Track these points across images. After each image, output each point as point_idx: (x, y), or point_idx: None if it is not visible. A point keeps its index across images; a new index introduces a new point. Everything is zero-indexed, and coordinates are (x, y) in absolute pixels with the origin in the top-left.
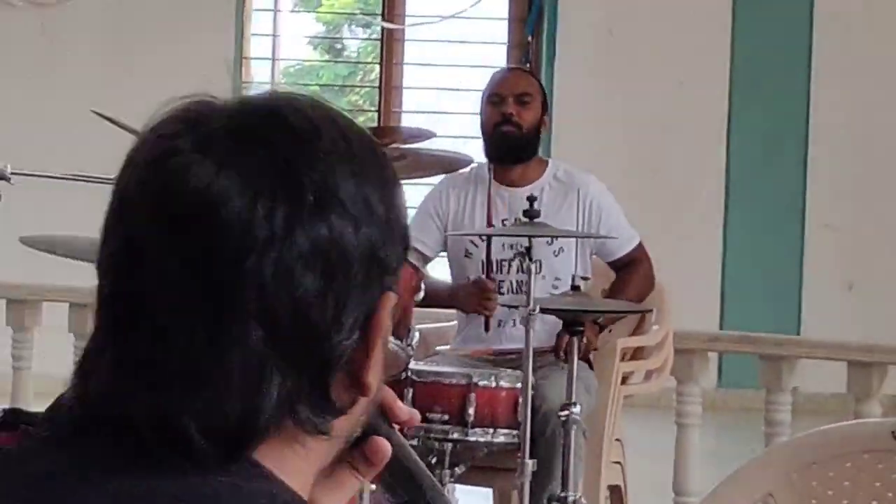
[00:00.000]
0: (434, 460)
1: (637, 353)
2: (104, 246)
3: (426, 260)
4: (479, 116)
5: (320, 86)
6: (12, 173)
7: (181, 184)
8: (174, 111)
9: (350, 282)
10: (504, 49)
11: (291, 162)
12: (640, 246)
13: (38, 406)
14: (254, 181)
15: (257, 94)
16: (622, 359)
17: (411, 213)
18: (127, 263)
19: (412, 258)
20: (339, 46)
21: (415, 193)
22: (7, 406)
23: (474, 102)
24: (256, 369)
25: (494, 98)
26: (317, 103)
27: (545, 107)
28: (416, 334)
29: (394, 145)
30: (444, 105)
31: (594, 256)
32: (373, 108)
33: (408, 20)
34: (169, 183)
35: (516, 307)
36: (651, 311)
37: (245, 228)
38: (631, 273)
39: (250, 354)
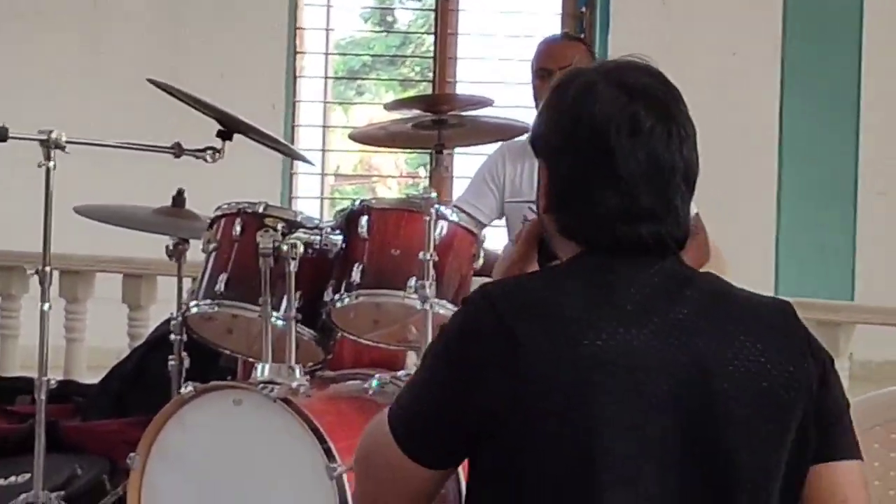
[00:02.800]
0: None
1: None
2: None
3: (482, 226)
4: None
5: (372, 56)
6: (67, 142)
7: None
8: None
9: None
10: (558, 19)
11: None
12: (696, 216)
13: (91, 378)
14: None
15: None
16: None
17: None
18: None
19: (471, 225)
20: (390, 18)
21: (472, 161)
22: (60, 378)
23: (529, 72)
24: (687, 210)
25: (542, 72)
26: None
27: None
28: None
29: (452, 112)
30: (498, 75)
31: None
32: (424, 80)
33: None
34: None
35: None
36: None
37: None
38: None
39: (687, 200)
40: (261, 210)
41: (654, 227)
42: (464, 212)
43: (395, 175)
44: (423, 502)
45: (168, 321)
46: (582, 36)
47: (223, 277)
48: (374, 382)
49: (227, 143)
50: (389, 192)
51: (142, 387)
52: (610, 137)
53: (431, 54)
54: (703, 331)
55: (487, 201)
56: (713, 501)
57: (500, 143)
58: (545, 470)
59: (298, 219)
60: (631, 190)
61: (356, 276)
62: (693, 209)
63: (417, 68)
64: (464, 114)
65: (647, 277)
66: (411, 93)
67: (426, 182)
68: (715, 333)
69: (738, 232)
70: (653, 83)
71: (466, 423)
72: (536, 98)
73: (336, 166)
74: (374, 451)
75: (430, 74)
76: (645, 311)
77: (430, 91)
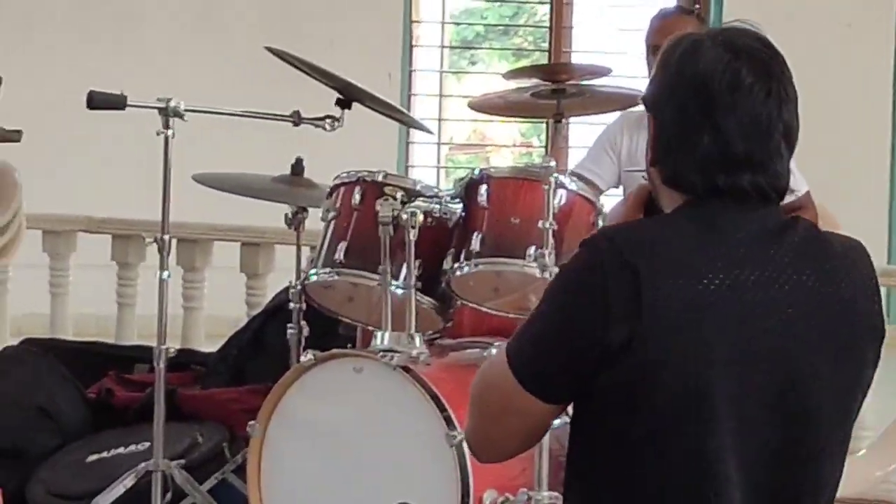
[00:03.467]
0: None
1: None
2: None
3: (599, 192)
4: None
5: (486, 26)
6: (186, 110)
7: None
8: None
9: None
10: None
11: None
12: (807, 194)
13: (209, 347)
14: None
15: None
16: None
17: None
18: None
19: (589, 193)
20: None
21: (591, 130)
22: (178, 347)
23: (643, 42)
24: (786, 167)
25: (654, 49)
26: None
27: None
28: None
29: (570, 82)
30: (613, 45)
31: None
32: (537, 49)
33: None
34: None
35: None
36: None
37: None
38: None
39: (787, 159)
40: (380, 178)
41: (754, 176)
42: (582, 178)
43: (509, 144)
44: (534, 437)
45: (286, 290)
46: (696, 7)
47: (342, 246)
48: (493, 350)
49: (346, 111)
50: (503, 161)
51: (260, 355)
52: (711, 89)
53: (546, 24)
54: (803, 272)
55: (606, 168)
56: (799, 438)
57: (618, 113)
58: (657, 401)
59: (418, 187)
60: (728, 139)
61: (476, 244)
62: (804, 186)
63: (531, 38)
64: (582, 83)
65: (751, 223)
66: (524, 62)
67: (541, 151)
68: (814, 274)
69: (850, 204)
70: (758, 46)
71: (588, 354)
72: (650, 71)
73: (451, 136)
74: (490, 386)
75: (544, 44)
76: (751, 255)
77: (543, 60)
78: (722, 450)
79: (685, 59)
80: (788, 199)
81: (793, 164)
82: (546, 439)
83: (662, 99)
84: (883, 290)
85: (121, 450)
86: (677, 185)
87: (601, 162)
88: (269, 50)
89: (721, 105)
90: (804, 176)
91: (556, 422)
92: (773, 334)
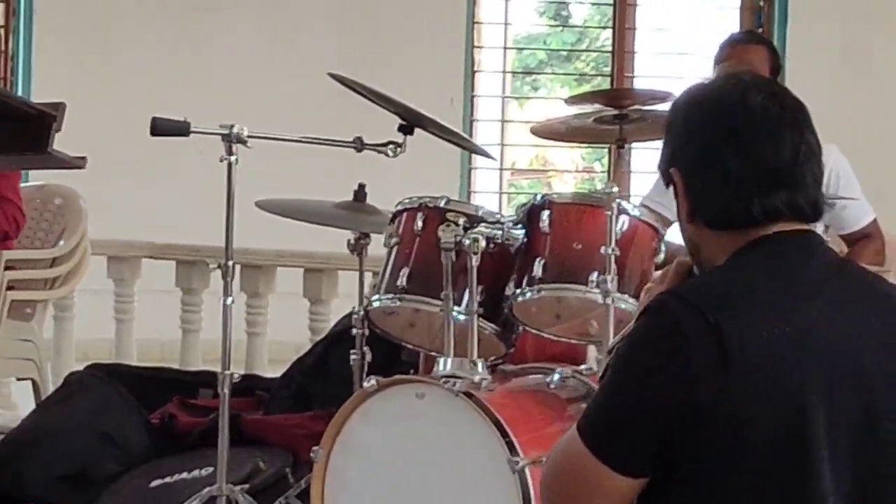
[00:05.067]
0: None
1: None
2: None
3: (666, 223)
4: None
5: (548, 51)
6: (249, 136)
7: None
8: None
9: None
10: (737, 13)
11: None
12: (874, 222)
13: (273, 372)
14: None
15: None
16: None
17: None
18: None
19: (652, 220)
20: (565, 13)
21: (653, 155)
22: (242, 372)
23: (708, 66)
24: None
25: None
26: None
27: (775, 72)
28: None
29: (632, 107)
30: (676, 70)
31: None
32: (599, 74)
33: None
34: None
35: None
36: (889, 271)
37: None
38: (863, 248)
39: (818, 176)
40: (442, 204)
41: (789, 195)
42: (652, 211)
43: (571, 170)
44: None
45: (349, 315)
46: (760, 30)
47: (405, 272)
48: (556, 376)
49: (408, 137)
50: (565, 186)
51: (323, 381)
52: (729, 117)
53: (608, 49)
54: (868, 305)
55: (671, 197)
56: (891, 473)
57: None
58: (754, 451)
59: (479, 213)
60: (755, 158)
61: (538, 270)
62: (870, 215)
63: (593, 63)
64: (645, 108)
65: (811, 257)
66: (587, 87)
67: (602, 176)
68: (878, 307)
69: None
70: (762, 79)
71: (674, 419)
72: None
73: (512, 161)
74: (565, 468)
75: (606, 69)
76: (819, 289)
77: (605, 86)
78: (825, 490)
79: (690, 102)
80: (855, 227)
81: (859, 189)
82: None
83: (680, 147)
84: None
85: (184, 475)
86: (719, 223)
87: (667, 193)
88: (332, 76)
89: (741, 128)
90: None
91: None
92: (853, 368)
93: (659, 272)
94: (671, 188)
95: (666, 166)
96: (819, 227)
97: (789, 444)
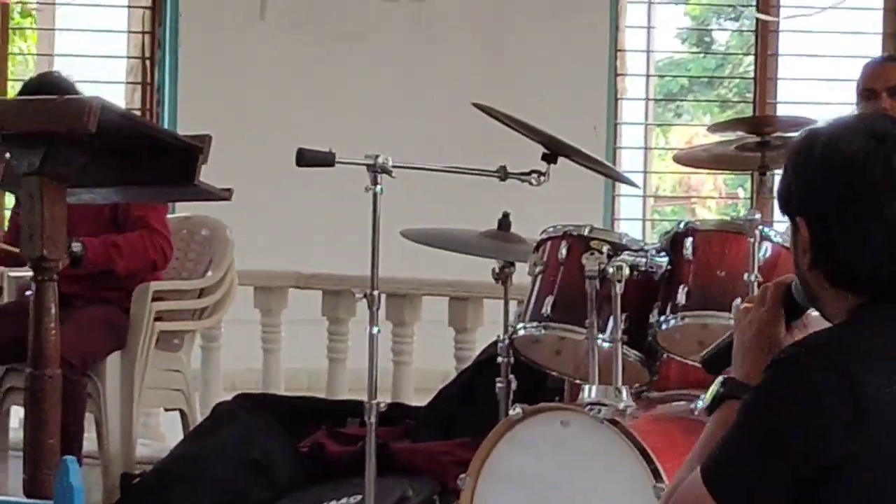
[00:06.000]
0: None
1: None
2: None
3: None
4: (855, 108)
5: (690, 78)
6: (393, 166)
7: None
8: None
9: None
10: (880, 38)
11: None
12: None
13: (419, 400)
14: None
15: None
16: None
17: None
18: None
19: None
20: (707, 39)
21: None
22: (388, 400)
23: (851, 93)
24: None
25: (867, 93)
26: None
27: None
28: None
29: (775, 134)
30: (819, 96)
31: None
32: (741, 101)
33: (783, 11)
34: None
35: None
36: None
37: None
38: None
39: None
40: (586, 232)
41: None
42: None
43: (714, 196)
44: None
45: (495, 343)
46: None
47: (549, 300)
48: (700, 403)
49: (552, 165)
50: (709, 212)
51: (469, 408)
52: (866, 179)
53: (751, 75)
54: None
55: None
56: None
57: None
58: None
59: (623, 241)
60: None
61: (681, 297)
62: None
63: (735, 89)
64: (787, 135)
65: None
66: (729, 114)
67: (746, 203)
68: None
69: None
70: None
71: (799, 479)
72: None
73: (656, 188)
74: None
75: (749, 95)
76: None
77: (748, 112)
78: None
79: (829, 151)
80: None
81: None
82: None
83: (809, 197)
84: None
85: (333, 503)
86: (842, 282)
87: None
88: (476, 105)
89: (882, 193)
90: None
91: None
92: None
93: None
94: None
95: (787, 205)
96: None
97: None
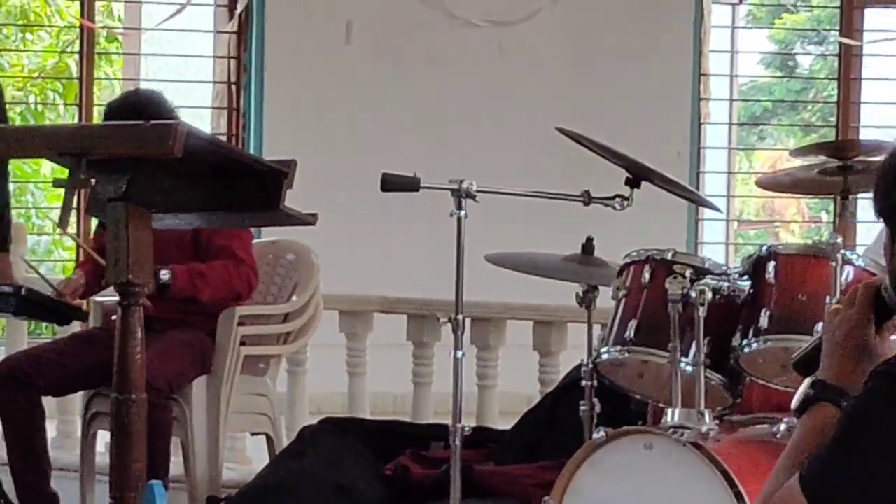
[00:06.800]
0: None
1: None
2: None
3: None
4: None
5: (774, 102)
6: (478, 191)
7: None
8: None
9: None
10: None
11: None
12: None
13: (503, 424)
14: None
15: None
16: None
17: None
18: None
19: (875, 268)
20: (791, 63)
21: None
22: (473, 424)
23: None
24: None
25: None
26: None
27: None
28: None
29: (858, 158)
30: None
31: None
32: (825, 125)
33: (866, 36)
34: None
35: None
36: None
37: None
38: None
39: None
40: (669, 257)
41: None
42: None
43: (797, 220)
44: None
45: (578, 367)
46: None
47: (633, 324)
48: (783, 426)
49: (635, 190)
50: (792, 236)
51: (554, 432)
52: None
53: (834, 99)
54: None
55: None
56: None
57: None
58: None
59: (706, 265)
60: None
61: (764, 321)
62: None
63: (819, 113)
64: (869, 159)
65: None
66: (813, 138)
67: (829, 227)
68: None
69: None
70: None
71: None
72: None
73: (739, 212)
74: None
75: (832, 119)
76: None
77: (832, 136)
78: None
79: None
80: None
81: None
82: None
83: None
84: None
85: None
86: None
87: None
88: (560, 130)
89: None
90: None
91: None
92: None
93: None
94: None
95: (880, 214)
96: None
97: None
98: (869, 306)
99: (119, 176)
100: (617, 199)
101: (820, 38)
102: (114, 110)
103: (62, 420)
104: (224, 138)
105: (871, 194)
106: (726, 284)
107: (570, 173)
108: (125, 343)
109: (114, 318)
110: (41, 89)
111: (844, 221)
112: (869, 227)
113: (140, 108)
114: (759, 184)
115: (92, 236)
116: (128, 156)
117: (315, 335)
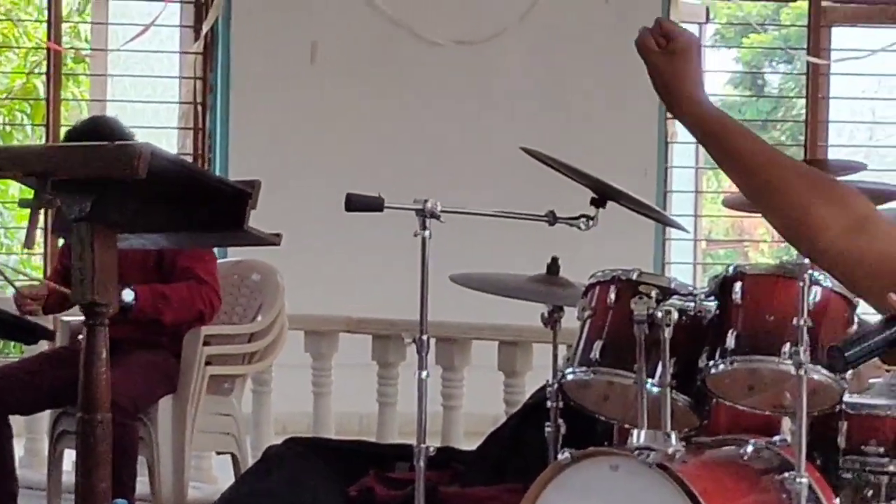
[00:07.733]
0: (870, 493)
1: None
2: None
3: None
4: None
5: (743, 121)
6: (442, 211)
7: None
8: None
9: None
10: None
11: None
12: None
13: (468, 444)
14: None
15: None
16: None
17: None
18: None
19: (842, 289)
20: (760, 82)
21: None
22: (438, 445)
23: None
24: None
25: None
26: None
27: None
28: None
29: None
30: (872, 139)
31: None
32: (794, 144)
33: (833, 55)
34: None
35: None
36: None
37: None
38: None
39: None
40: (635, 277)
41: None
42: None
43: (767, 240)
44: None
45: (544, 388)
46: None
47: (598, 345)
48: (749, 448)
49: (601, 210)
50: (762, 256)
51: (519, 453)
52: None
53: (803, 118)
54: None
55: None
56: None
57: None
58: None
59: (672, 285)
60: None
61: (731, 342)
62: None
63: (788, 132)
64: (838, 179)
65: None
66: None
67: None
68: None
69: None
70: None
71: None
72: None
73: (708, 231)
74: None
75: (801, 138)
76: None
77: (800, 155)
78: None
79: None
80: None
81: None
82: None
83: None
84: None
85: None
86: None
87: None
88: (525, 150)
89: None
90: None
91: None
92: None
93: None
94: None
95: None
96: None
97: None
98: None
99: (84, 196)
100: (582, 219)
101: (788, 58)
102: (73, 138)
103: (30, 438)
104: (190, 158)
105: None
106: (692, 305)
107: (536, 194)
108: (90, 363)
109: (80, 337)
110: (9, 110)
111: None
112: None
113: (98, 134)
114: (727, 203)
115: (57, 256)
116: (93, 176)
117: (280, 355)
